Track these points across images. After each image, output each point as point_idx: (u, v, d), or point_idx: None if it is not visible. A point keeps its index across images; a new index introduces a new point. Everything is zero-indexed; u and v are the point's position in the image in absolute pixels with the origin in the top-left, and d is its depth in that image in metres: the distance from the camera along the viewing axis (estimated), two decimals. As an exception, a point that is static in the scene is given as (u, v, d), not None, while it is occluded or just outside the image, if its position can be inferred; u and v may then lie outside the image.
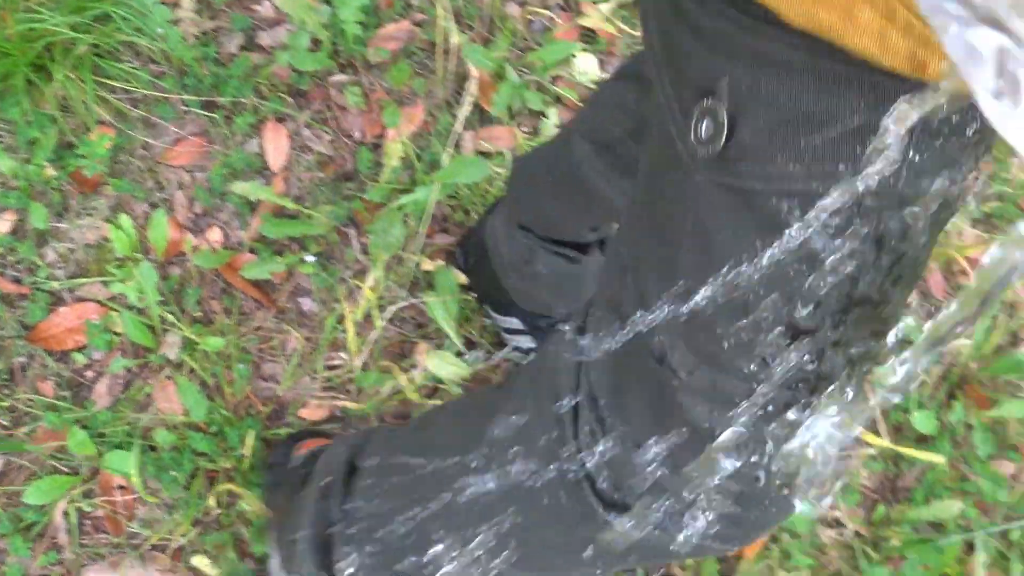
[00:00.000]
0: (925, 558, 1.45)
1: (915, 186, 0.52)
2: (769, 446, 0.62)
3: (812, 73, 0.50)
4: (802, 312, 0.55)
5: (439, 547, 0.88)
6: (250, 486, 1.27)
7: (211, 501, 1.26)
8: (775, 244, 0.53)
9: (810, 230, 0.52)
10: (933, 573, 1.45)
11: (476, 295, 1.42)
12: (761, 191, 0.54)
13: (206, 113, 1.45)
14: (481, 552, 0.85)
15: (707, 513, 0.68)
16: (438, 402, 1.37)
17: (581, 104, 1.56)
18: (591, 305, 0.75)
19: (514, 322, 1.37)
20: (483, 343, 1.43)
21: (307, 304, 1.40)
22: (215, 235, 1.39)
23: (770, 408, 0.60)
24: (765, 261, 0.54)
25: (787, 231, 0.53)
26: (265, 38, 1.51)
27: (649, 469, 0.68)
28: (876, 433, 1.48)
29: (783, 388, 0.59)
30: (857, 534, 1.47)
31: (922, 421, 1.52)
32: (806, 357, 0.57)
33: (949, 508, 1.50)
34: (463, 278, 1.41)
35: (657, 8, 0.58)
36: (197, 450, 1.27)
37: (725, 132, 0.53)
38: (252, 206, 1.42)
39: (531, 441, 0.79)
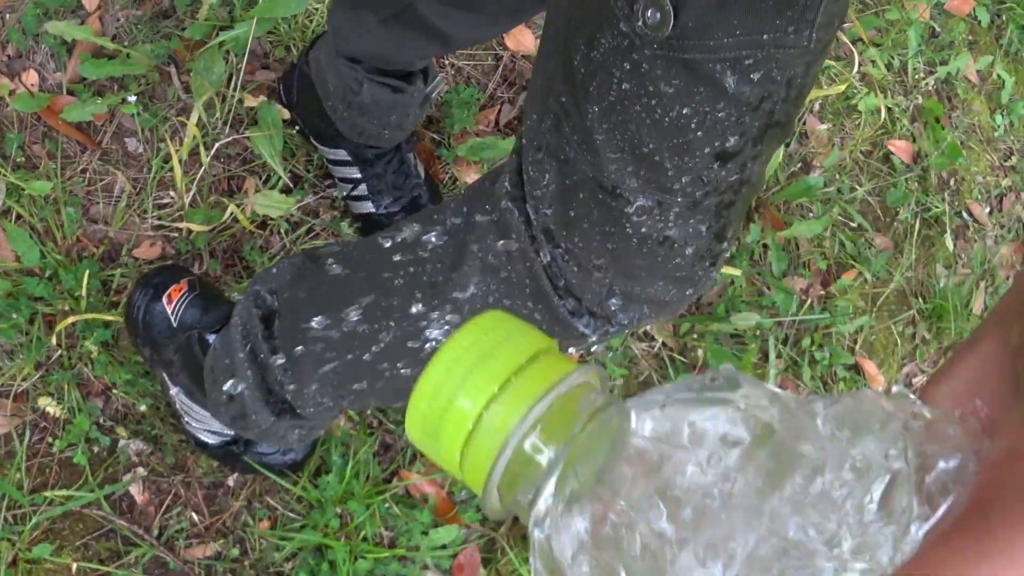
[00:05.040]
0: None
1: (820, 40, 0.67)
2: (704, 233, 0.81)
3: None
4: (731, 142, 0.71)
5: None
6: (90, 328, 1.30)
7: (52, 341, 1.28)
8: (720, 101, 0.68)
9: (744, 85, 0.67)
10: (732, 377, 1.60)
11: (301, 128, 1.44)
12: (700, 59, 0.66)
13: (10, -52, 1.39)
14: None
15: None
16: (266, 233, 1.41)
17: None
18: (520, 154, 0.84)
19: (341, 153, 1.40)
20: (309, 177, 1.46)
21: (132, 144, 1.40)
22: (31, 78, 1.37)
23: (707, 203, 0.78)
24: (709, 108, 0.69)
25: (726, 86, 0.67)
26: None
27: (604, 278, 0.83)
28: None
29: (716, 193, 0.76)
30: (665, 345, 1.61)
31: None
32: (733, 171, 0.74)
33: (747, 319, 1.66)
34: (286, 113, 1.43)
35: None
36: (33, 295, 1.28)
37: (671, 22, 0.64)
38: (69, 47, 1.39)
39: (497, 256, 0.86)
